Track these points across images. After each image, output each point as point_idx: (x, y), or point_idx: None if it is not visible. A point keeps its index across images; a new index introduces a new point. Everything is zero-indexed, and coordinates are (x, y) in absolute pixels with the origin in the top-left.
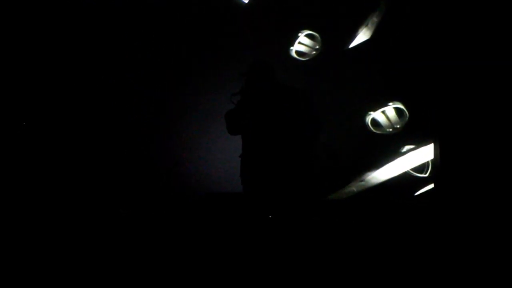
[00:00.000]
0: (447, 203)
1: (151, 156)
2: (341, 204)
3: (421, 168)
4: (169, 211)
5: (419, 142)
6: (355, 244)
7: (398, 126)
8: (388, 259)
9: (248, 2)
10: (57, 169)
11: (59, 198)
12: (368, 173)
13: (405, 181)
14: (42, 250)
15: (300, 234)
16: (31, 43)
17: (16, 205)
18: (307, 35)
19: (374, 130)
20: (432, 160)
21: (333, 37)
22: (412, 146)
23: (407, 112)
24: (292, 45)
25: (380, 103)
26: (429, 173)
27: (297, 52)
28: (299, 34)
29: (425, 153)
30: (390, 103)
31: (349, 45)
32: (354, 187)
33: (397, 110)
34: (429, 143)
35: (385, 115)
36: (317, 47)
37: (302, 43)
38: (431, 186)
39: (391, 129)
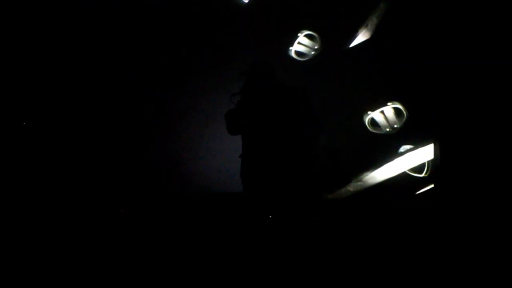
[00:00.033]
0: (446, 203)
1: (151, 156)
2: (341, 204)
3: (420, 168)
4: (169, 211)
5: (418, 142)
6: (355, 244)
7: (396, 126)
8: (388, 259)
9: (248, 2)
10: (58, 169)
11: (60, 198)
12: (367, 173)
13: (404, 181)
14: (43, 250)
15: (300, 234)
16: (31, 43)
17: (17, 205)
18: (307, 35)
19: (372, 130)
20: (431, 161)
21: (333, 37)
22: (410, 147)
23: (405, 112)
24: (292, 45)
25: (378, 103)
26: (428, 174)
27: (297, 52)
28: (299, 35)
29: (424, 154)
30: (389, 103)
31: (349, 45)
32: (352, 187)
33: (396, 110)
34: (428, 143)
35: (384, 115)
36: (316, 47)
37: (302, 43)
38: (430, 186)
39: (389, 129)
